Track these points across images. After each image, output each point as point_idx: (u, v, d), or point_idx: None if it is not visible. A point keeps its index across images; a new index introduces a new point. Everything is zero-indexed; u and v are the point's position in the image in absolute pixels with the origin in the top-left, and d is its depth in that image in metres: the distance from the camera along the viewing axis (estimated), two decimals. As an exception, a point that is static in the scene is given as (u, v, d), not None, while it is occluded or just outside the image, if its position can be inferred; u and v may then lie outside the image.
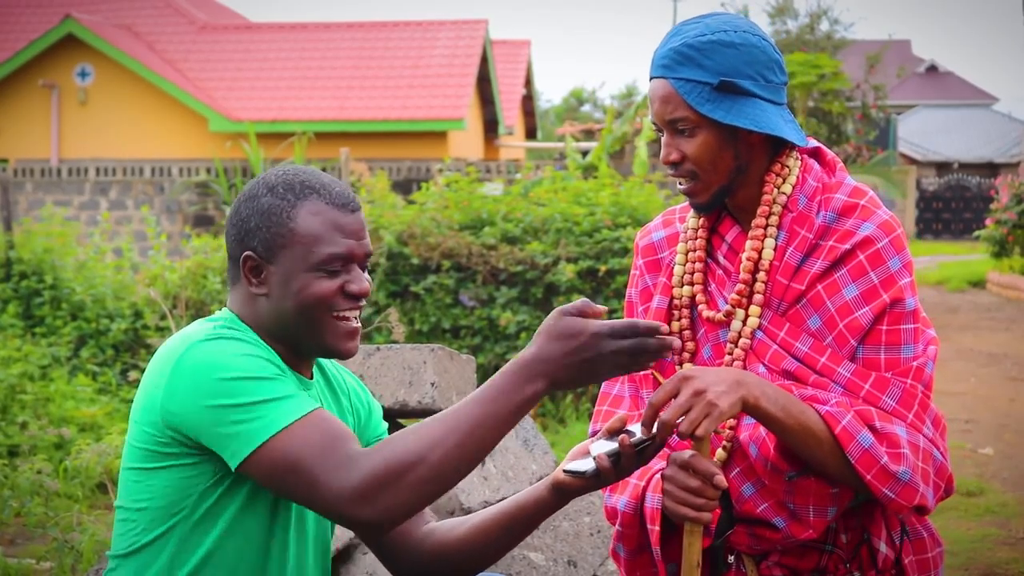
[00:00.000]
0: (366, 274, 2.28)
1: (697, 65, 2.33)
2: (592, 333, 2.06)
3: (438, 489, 2.05)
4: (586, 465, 2.22)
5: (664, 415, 2.19)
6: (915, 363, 2.35)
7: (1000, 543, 5.96)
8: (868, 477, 2.27)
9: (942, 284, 19.17)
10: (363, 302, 2.27)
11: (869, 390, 2.32)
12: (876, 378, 2.33)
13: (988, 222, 19.00)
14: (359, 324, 2.28)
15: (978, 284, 19.24)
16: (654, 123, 2.43)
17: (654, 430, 2.20)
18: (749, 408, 2.23)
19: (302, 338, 2.25)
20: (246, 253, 2.23)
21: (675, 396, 2.20)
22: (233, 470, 2.10)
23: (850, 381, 2.33)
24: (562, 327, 2.07)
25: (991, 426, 8.89)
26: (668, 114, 2.37)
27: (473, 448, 2.05)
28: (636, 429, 2.23)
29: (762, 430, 2.35)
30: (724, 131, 2.36)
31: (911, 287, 2.38)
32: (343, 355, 2.26)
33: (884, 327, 2.34)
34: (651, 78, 2.41)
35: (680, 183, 2.43)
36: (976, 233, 20.57)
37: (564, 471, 2.24)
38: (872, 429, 2.29)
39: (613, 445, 2.21)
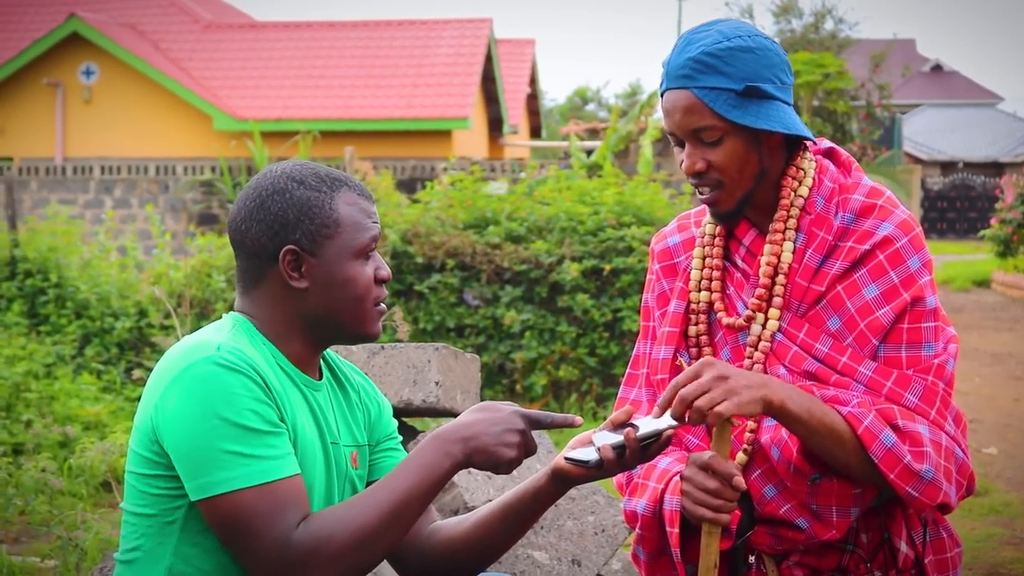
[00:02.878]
0: None
1: (719, 72, 2.32)
2: (513, 410, 2.20)
3: (362, 564, 2.11)
4: (589, 454, 2.22)
5: (684, 391, 2.20)
6: (936, 360, 2.35)
7: (1004, 543, 5.96)
8: (892, 476, 2.27)
9: (947, 284, 19.15)
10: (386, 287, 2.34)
11: (891, 387, 2.33)
12: (898, 375, 2.33)
13: (993, 221, 18.97)
14: (385, 307, 2.34)
15: (983, 284, 19.24)
16: (671, 134, 2.40)
17: (662, 426, 2.21)
18: (774, 409, 2.23)
19: (341, 326, 2.26)
20: (287, 247, 2.21)
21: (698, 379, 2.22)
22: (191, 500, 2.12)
23: (872, 379, 2.33)
24: (488, 404, 2.22)
25: (995, 426, 8.88)
26: (693, 124, 2.35)
27: (398, 522, 2.14)
28: (642, 423, 2.23)
29: (783, 432, 2.35)
30: (749, 137, 2.36)
31: (931, 285, 2.39)
32: (374, 337, 2.32)
33: (905, 325, 2.35)
34: (666, 89, 2.39)
35: (702, 193, 2.41)
36: (981, 232, 20.55)
37: (566, 458, 2.24)
38: (894, 428, 2.29)
39: (618, 437, 2.21)
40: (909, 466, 2.27)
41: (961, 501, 2.42)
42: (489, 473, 3.89)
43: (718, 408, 2.18)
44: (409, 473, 2.14)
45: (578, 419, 2.23)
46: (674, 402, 2.20)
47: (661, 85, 2.42)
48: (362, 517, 2.10)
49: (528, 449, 2.20)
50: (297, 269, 2.23)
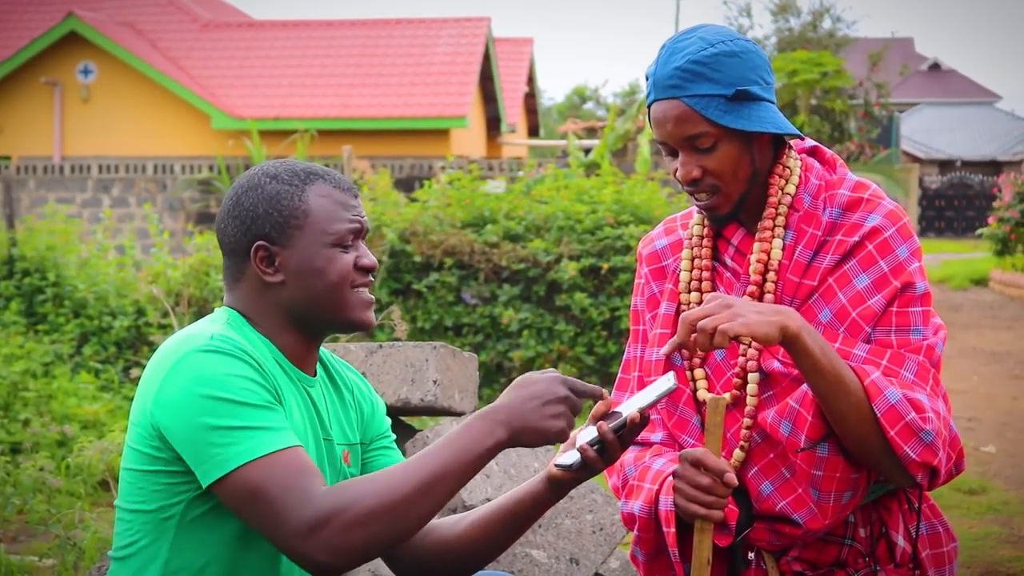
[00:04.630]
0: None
1: (708, 79, 2.34)
2: (551, 378, 2.15)
3: (391, 532, 2.06)
4: (572, 457, 2.23)
5: (687, 314, 2.22)
6: (926, 343, 2.37)
7: (1002, 541, 5.96)
8: (892, 433, 2.27)
9: (945, 282, 19.16)
10: (373, 276, 2.31)
11: (887, 365, 2.34)
12: (892, 354, 2.35)
13: (991, 220, 18.96)
14: (372, 296, 2.31)
15: (981, 282, 19.24)
16: (662, 144, 2.41)
17: (632, 408, 2.21)
18: (789, 338, 2.23)
19: (323, 316, 2.26)
20: (258, 243, 2.23)
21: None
22: (204, 488, 2.10)
23: (867, 360, 2.34)
24: (525, 378, 2.17)
25: (993, 424, 8.88)
26: (686, 132, 2.36)
27: (431, 495, 2.08)
28: (623, 409, 2.24)
29: (793, 403, 2.35)
30: (742, 139, 2.37)
31: (920, 272, 2.41)
32: (363, 326, 2.30)
33: (895, 309, 2.37)
34: (654, 100, 2.39)
35: (699, 199, 2.42)
36: (979, 231, 20.55)
37: (555, 465, 2.25)
38: None
39: (594, 433, 2.22)
40: (911, 424, 2.27)
41: (949, 478, 2.43)
42: (487, 473, 3.89)
43: (723, 326, 2.18)
44: (447, 448, 2.11)
45: (604, 392, 2.21)
46: (679, 326, 2.22)
47: (648, 96, 2.42)
48: (390, 485, 2.06)
49: (575, 411, 2.17)
50: (271, 264, 2.24)
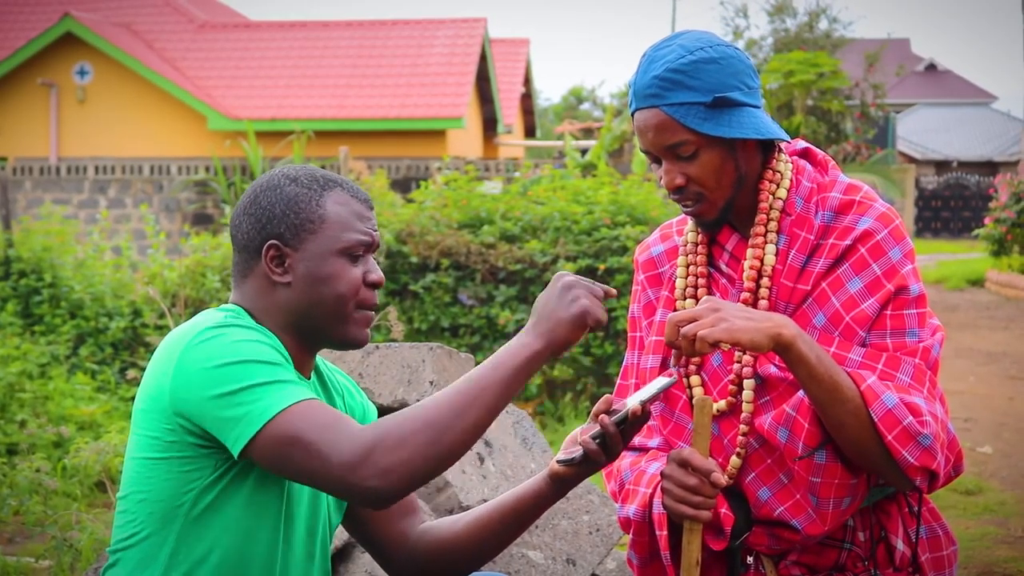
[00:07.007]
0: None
1: (686, 87, 2.33)
2: (554, 280, 2.18)
3: (438, 444, 2.05)
4: (575, 452, 2.24)
5: (673, 315, 2.23)
6: (922, 344, 2.36)
7: (998, 541, 5.97)
8: (889, 437, 2.26)
9: (941, 283, 19.18)
10: (378, 292, 2.32)
11: (883, 369, 2.33)
12: (888, 357, 2.34)
13: (987, 221, 19.00)
14: (374, 314, 2.32)
15: (977, 283, 19.27)
16: (647, 153, 2.41)
17: (631, 403, 2.21)
18: (784, 346, 2.22)
19: (322, 326, 2.27)
20: (270, 241, 2.24)
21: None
22: (236, 456, 2.10)
23: (862, 364, 2.33)
24: (543, 291, 2.19)
25: (990, 425, 8.89)
26: (666, 141, 2.35)
27: (473, 407, 2.08)
28: (620, 404, 2.25)
29: (790, 410, 2.34)
30: (725, 146, 2.36)
31: (914, 274, 2.40)
32: (359, 343, 2.30)
33: (889, 312, 2.36)
34: (636, 110, 2.39)
35: (685, 206, 2.42)
36: (975, 232, 20.58)
37: (557, 461, 2.27)
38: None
39: (596, 428, 2.23)
40: (908, 428, 2.26)
41: (948, 481, 2.43)
42: (483, 473, 3.89)
43: (702, 332, 2.18)
44: (484, 366, 2.13)
45: (612, 291, 2.22)
46: (666, 326, 2.23)
47: (631, 105, 2.42)
48: (429, 402, 2.08)
49: (592, 291, 2.16)
50: (280, 264, 2.26)
